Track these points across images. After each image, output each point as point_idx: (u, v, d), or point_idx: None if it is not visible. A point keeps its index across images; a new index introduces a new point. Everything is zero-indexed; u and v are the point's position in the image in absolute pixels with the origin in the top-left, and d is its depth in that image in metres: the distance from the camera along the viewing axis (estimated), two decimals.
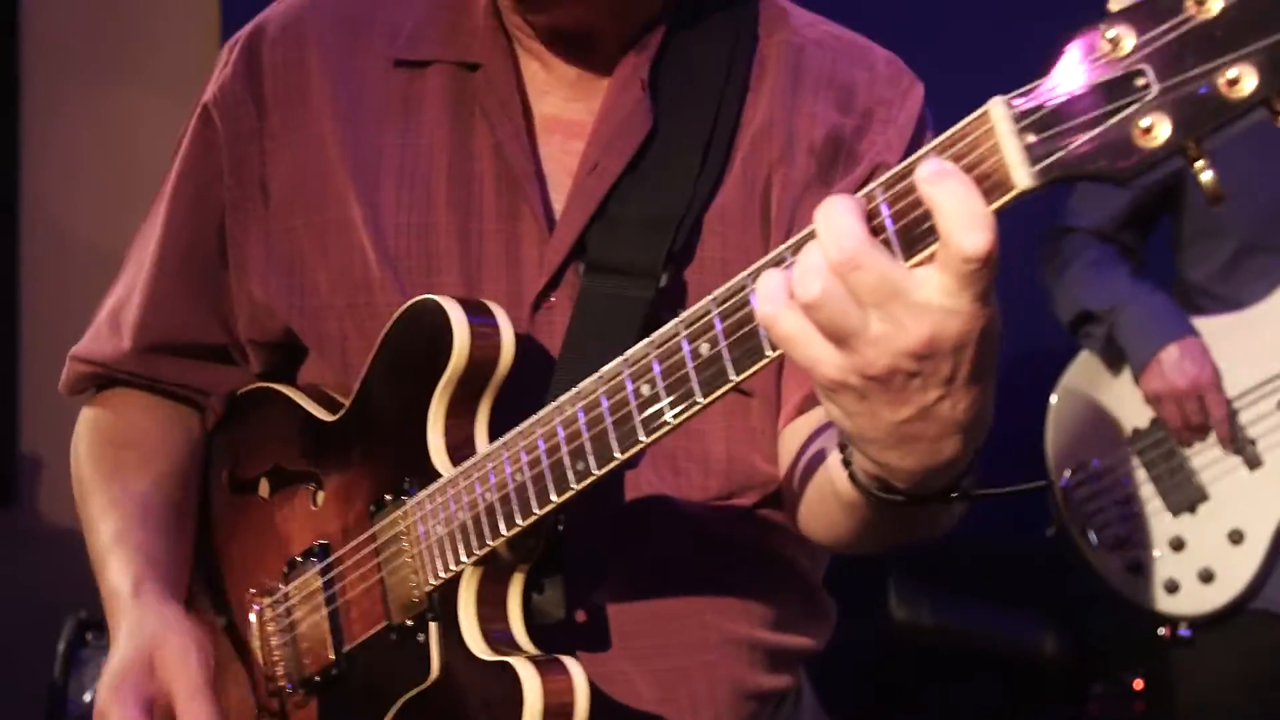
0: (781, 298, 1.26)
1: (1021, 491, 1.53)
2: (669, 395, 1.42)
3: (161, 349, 1.95)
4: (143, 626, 1.75)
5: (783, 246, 1.33)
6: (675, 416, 1.42)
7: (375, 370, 1.76)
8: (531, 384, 1.68)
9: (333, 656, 1.76)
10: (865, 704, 3.66)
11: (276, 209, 1.84)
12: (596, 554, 1.74)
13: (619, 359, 1.46)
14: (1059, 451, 3.57)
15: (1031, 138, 1.19)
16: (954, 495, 1.43)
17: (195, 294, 1.91)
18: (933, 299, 1.22)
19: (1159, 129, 1.15)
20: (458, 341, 1.64)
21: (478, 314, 1.67)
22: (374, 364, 1.76)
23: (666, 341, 1.42)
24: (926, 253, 1.23)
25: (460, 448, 1.66)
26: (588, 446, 1.50)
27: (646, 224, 1.73)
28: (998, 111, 1.20)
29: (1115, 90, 1.16)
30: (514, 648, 1.63)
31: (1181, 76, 1.14)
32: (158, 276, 1.92)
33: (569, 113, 1.81)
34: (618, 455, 1.47)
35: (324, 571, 1.79)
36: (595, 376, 1.49)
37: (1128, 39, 1.16)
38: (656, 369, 1.42)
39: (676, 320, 1.41)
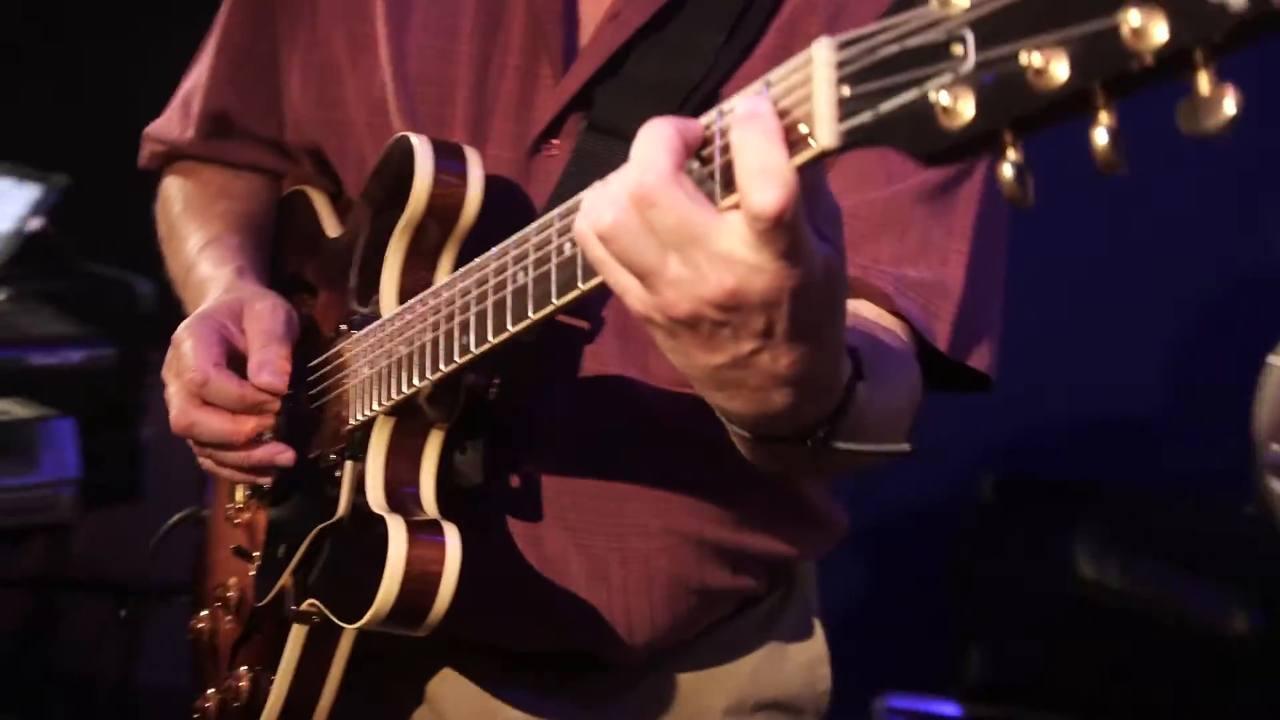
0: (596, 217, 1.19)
1: (886, 454, 1.41)
2: (534, 290, 1.36)
3: (226, 135, 2.00)
4: (239, 290, 1.79)
5: None
6: (534, 311, 1.36)
7: (362, 199, 1.75)
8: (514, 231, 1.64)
9: (290, 468, 1.78)
10: (1039, 657, 3.50)
11: (323, 13, 1.85)
12: (539, 421, 1.70)
13: (518, 234, 1.39)
14: (1271, 421, 3.22)
15: (847, 91, 1.07)
16: (808, 442, 1.33)
17: (253, 86, 1.95)
18: (735, 250, 1.13)
19: (961, 109, 1.01)
20: (416, 185, 1.61)
21: (448, 159, 1.62)
22: (362, 193, 1.75)
23: (544, 230, 1.35)
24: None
25: (413, 292, 1.63)
26: (472, 321, 1.45)
27: (657, 89, 1.64)
28: (822, 54, 1.08)
29: (931, 55, 1.03)
30: (413, 505, 1.61)
31: (996, 51, 0.99)
32: (220, 65, 1.97)
33: None
34: (489, 339, 1.42)
35: (295, 384, 1.80)
36: (499, 246, 1.43)
37: None
38: (531, 258, 1.36)
39: (561, 208, 1.34)
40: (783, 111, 1.11)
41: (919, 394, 1.63)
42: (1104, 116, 0.95)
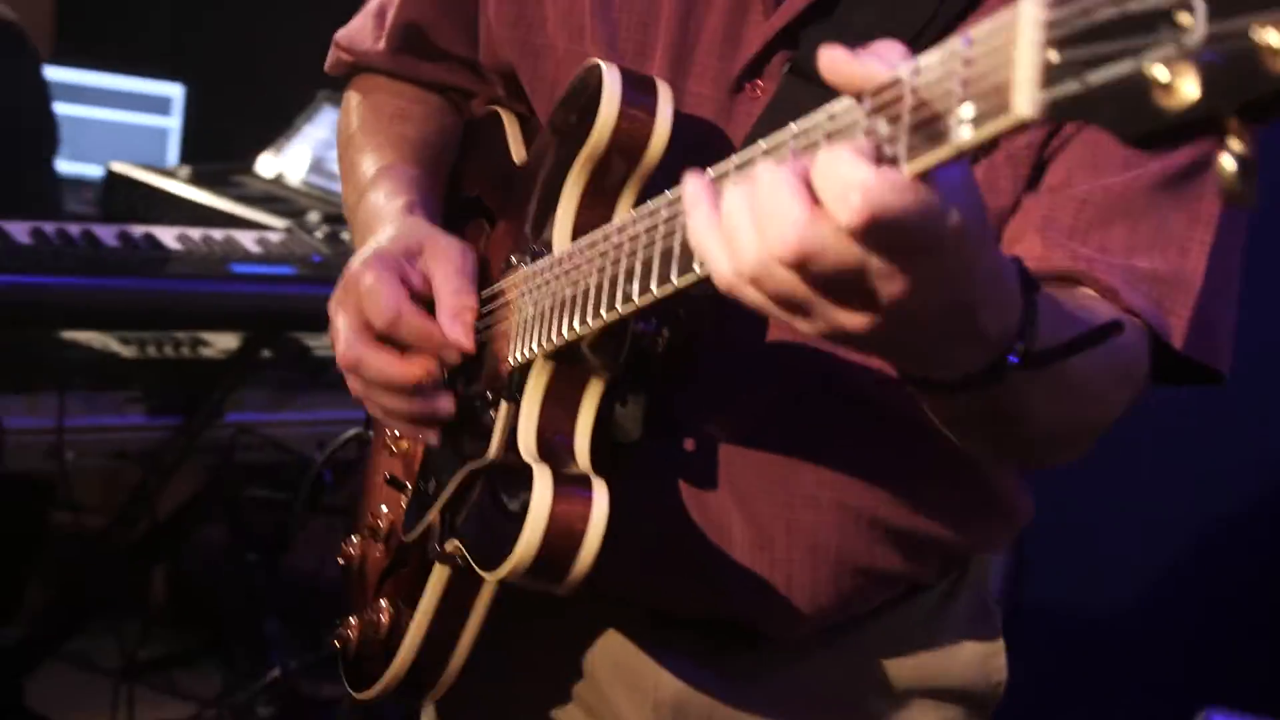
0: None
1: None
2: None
3: (417, 51, 1.91)
4: (414, 228, 1.67)
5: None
6: (700, 267, 1.25)
7: (549, 126, 1.66)
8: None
9: (457, 393, 1.69)
10: None
11: None
12: (712, 380, 1.60)
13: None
14: None
15: (1055, 56, 0.94)
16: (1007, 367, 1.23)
17: (451, 0, 1.85)
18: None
19: (1182, 88, 0.88)
20: (601, 116, 1.51)
21: (637, 91, 1.52)
22: (550, 120, 1.66)
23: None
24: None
25: (589, 229, 1.53)
26: (638, 268, 1.35)
27: (865, 37, 1.51)
28: (1029, 12, 0.96)
29: (1152, 23, 0.90)
30: (565, 455, 1.52)
31: (1229, 25, 0.86)
32: None
33: None
34: (652, 289, 1.32)
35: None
36: (677, 188, 1.31)
37: None
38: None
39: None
40: (979, 75, 0.99)
41: (1137, 373, 1.51)
42: None
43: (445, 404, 1.62)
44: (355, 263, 1.62)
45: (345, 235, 3.72)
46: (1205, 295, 1.52)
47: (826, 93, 1.49)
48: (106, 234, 3.51)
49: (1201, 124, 0.88)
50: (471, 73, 1.90)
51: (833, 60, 1.10)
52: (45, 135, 4.19)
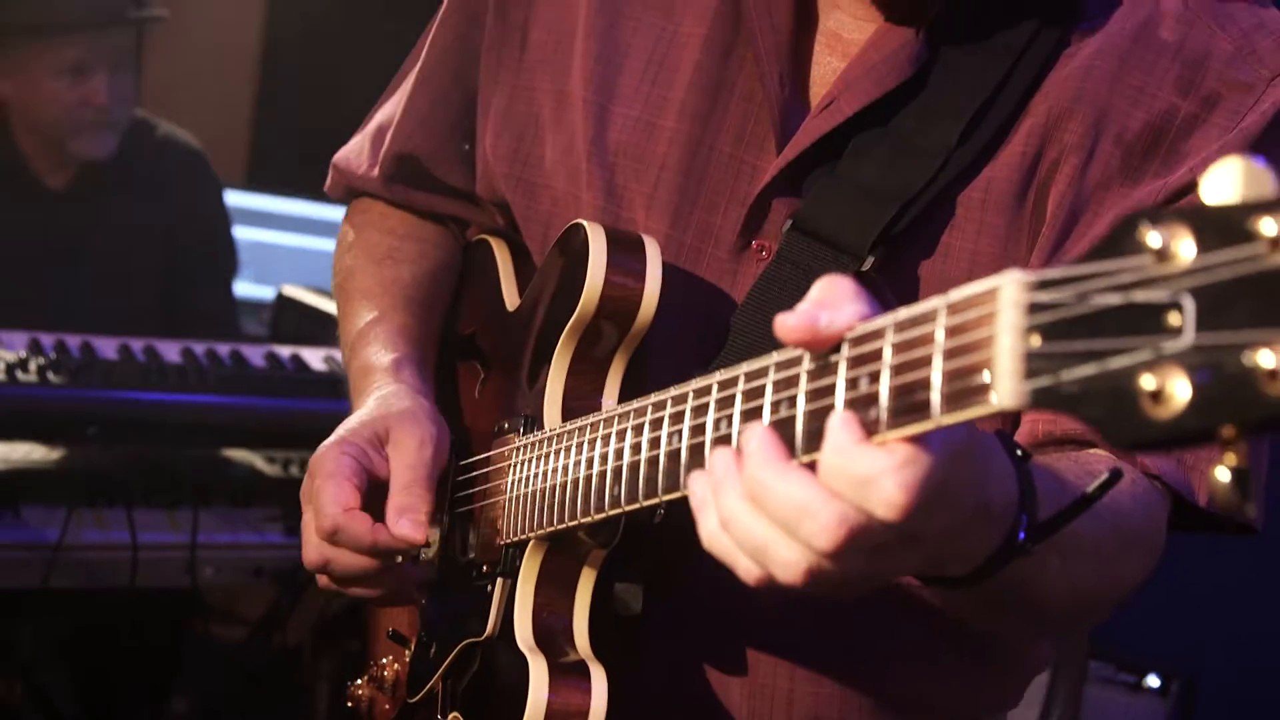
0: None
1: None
2: (689, 461, 1.19)
3: (411, 181, 1.84)
4: (393, 400, 1.63)
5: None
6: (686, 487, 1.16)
7: (537, 282, 1.59)
8: (704, 335, 1.45)
9: (439, 558, 1.64)
10: None
11: (530, 62, 1.67)
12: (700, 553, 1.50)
13: (695, 381, 1.20)
14: None
15: (1038, 343, 0.83)
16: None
17: (448, 131, 1.78)
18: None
19: (1172, 398, 0.76)
20: (588, 283, 1.44)
21: (625, 253, 1.45)
22: (538, 275, 1.59)
23: (702, 396, 1.17)
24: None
25: (579, 400, 1.48)
26: (624, 473, 1.28)
27: (868, 192, 1.41)
28: (1009, 294, 0.85)
29: (1140, 318, 0.79)
30: (562, 639, 1.46)
31: (1222, 336, 0.75)
32: (415, 104, 1.81)
33: (855, 32, 1.49)
34: (639, 500, 1.25)
35: (458, 471, 1.65)
36: (671, 390, 1.24)
37: (1184, 250, 0.77)
38: (690, 423, 1.19)
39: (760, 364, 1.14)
40: (959, 349, 0.88)
41: (1153, 536, 1.40)
42: None
43: (422, 573, 1.59)
44: (323, 445, 1.58)
45: None
46: None
47: (830, 251, 1.40)
48: (254, 354, 3.53)
49: (1193, 437, 0.76)
50: (467, 203, 1.83)
51: (787, 329, 1.02)
52: (223, 259, 4.24)
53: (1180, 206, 0.77)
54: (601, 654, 1.45)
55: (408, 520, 1.51)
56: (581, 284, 1.44)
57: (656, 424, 1.23)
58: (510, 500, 1.52)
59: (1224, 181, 0.76)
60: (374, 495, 1.54)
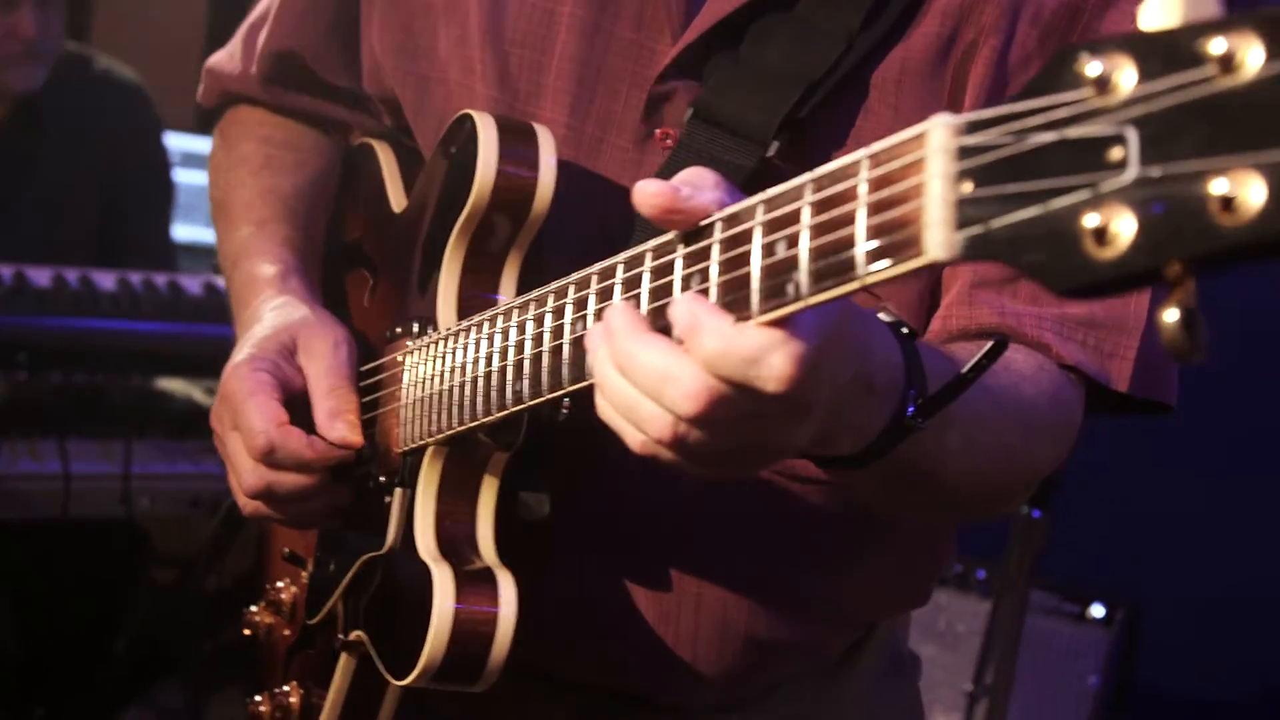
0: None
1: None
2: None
3: (290, 81, 1.73)
4: (289, 309, 1.54)
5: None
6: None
7: (423, 181, 1.50)
8: (607, 227, 1.36)
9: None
10: None
11: None
12: (611, 449, 1.43)
13: (598, 265, 1.14)
14: None
15: (969, 188, 0.76)
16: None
17: (330, 25, 1.66)
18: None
19: (1117, 236, 0.70)
20: (479, 175, 1.35)
21: (517, 142, 1.36)
22: (424, 173, 1.50)
23: (607, 279, 1.11)
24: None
25: (474, 299, 1.39)
26: (526, 366, 1.21)
27: (770, 76, 1.33)
28: (938, 138, 0.78)
29: (1081, 154, 0.72)
30: (466, 547, 1.38)
31: (1169, 167, 0.68)
32: None
33: None
34: (543, 393, 1.18)
35: (361, 376, 1.56)
36: (570, 277, 1.18)
37: (1125, 79, 0.70)
38: (595, 308, 1.12)
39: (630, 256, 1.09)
40: (887, 201, 0.82)
41: (1065, 425, 1.37)
42: None
43: (344, 495, 1.51)
44: (231, 365, 1.50)
45: None
46: (1149, 333, 1.37)
47: (730, 139, 1.33)
48: (191, 284, 3.44)
49: (1142, 276, 0.70)
50: (351, 104, 1.72)
51: (646, 194, 1.00)
52: (160, 194, 4.14)
53: (1121, 33, 0.70)
54: (509, 562, 1.38)
55: (341, 423, 1.45)
56: (472, 176, 1.36)
57: (559, 312, 1.17)
58: (406, 407, 1.44)
59: (1163, 6, 0.69)
60: (293, 409, 1.47)
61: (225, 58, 1.79)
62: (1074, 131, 0.71)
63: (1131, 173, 0.69)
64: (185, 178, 4.29)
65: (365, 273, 1.65)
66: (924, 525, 1.54)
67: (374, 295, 1.62)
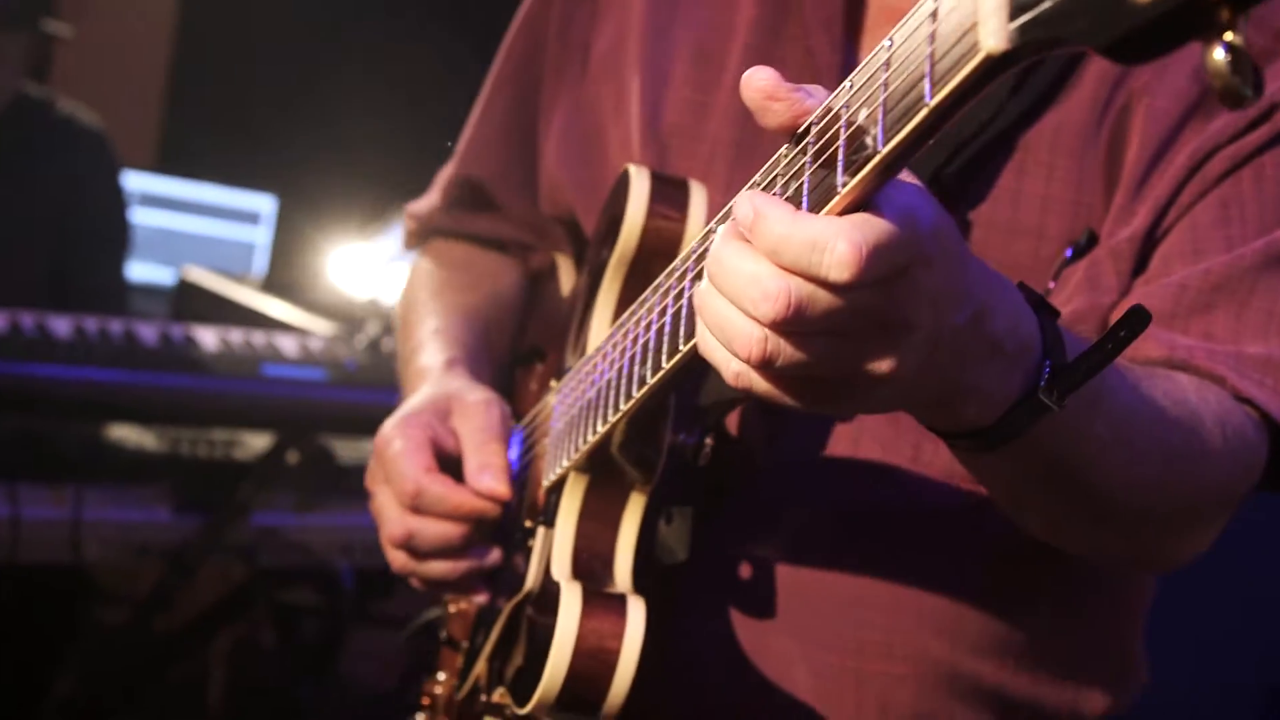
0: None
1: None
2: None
3: (472, 205, 1.76)
4: (446, 385, 1.53)
5: None
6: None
7: (589, 254, 1.49)
8: None
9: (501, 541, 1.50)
10: None
11: (592, 76, 1.59)
12: (770, 499, 1.35)
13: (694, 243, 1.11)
14: None
15: None
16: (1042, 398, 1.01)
17: (512, 155, 1.70)
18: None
19: None
20: (629, 218, 1.34)
21: (667, 190, 1.35)
22: (590, 247, 1.49)
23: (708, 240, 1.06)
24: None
25: None
26: (650, 343, 1.14)
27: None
28: None
29: None
30: (603, 575, 1.29)
31: None
32: (478, 132, 1.75)
33: (908, 4, 1.34)
34: (664, 364, 1.10)
35: (521, 445, 1.53)
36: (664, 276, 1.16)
37: None
38: (695, 270, 1.09)
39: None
40: (944, 34, 0.79)
41: (1246, 452, 1.25)
42: None
43: (494, 556, 1.45)
44: (386, 427, 1.46)
45: (387, 344, 3.50)
46: None
47: None
48: (147, 331, 3.30)
49: (1185, 18, 0.64)
50: (529, 228, 1.74)
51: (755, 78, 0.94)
52: (117, 240, 4.03)
53: None
54: (644, 595, 1.28)
55: (489, 474, 1.40)
56: (623, 219, 1.35)
57: (671, 289, 1.12)
58: (551, 443, 1.40)
59: None
60: (446, 468, 1.43)
61: (422, 201, 1.84)
62: None
63: None
64: (144, 218, 4.17)
65: (538, 364, 1.63)
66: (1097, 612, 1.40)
67: (539, 374, 1.60)
